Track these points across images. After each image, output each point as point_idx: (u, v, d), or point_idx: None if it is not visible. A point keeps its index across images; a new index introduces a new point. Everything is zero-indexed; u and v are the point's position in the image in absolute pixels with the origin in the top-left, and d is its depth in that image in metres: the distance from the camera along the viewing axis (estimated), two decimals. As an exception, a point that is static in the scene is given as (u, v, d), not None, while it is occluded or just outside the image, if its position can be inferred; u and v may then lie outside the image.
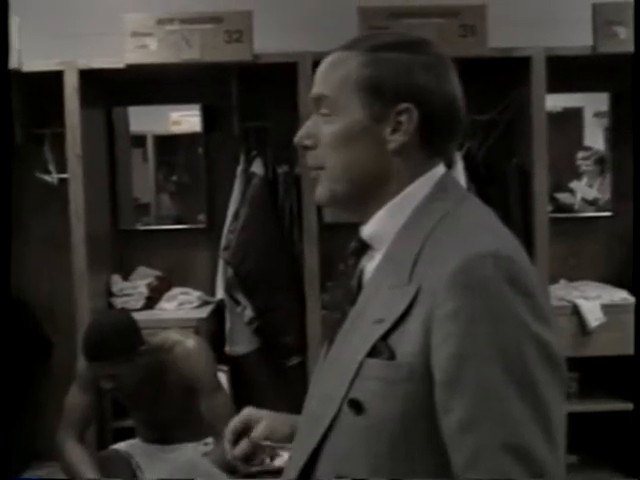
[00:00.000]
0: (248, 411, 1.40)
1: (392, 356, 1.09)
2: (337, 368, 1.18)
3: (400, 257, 1.16)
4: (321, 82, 1.23)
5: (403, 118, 1.17)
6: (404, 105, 1.16)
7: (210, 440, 2.85)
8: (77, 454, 2.76)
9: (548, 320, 1.08)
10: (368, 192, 1.21)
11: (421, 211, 1.18)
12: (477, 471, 1.03)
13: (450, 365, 1.05)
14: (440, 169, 1.23)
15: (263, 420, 1.37)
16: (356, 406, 1.12)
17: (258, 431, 1.35)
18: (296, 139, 1.25)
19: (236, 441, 1.37)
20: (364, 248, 1.25)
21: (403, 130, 1.17)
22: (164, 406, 2.76)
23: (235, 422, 1.39)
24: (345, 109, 1.19)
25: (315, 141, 1.22)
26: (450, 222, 1.15)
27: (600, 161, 3.99)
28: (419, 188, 1.20)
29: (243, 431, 1.37)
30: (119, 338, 2.58)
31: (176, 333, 2.85)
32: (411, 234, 1.17)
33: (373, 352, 1.11)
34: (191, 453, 2.84)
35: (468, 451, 1.04)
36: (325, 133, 1.21)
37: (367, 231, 1.23)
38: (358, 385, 1.12)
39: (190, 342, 2.78)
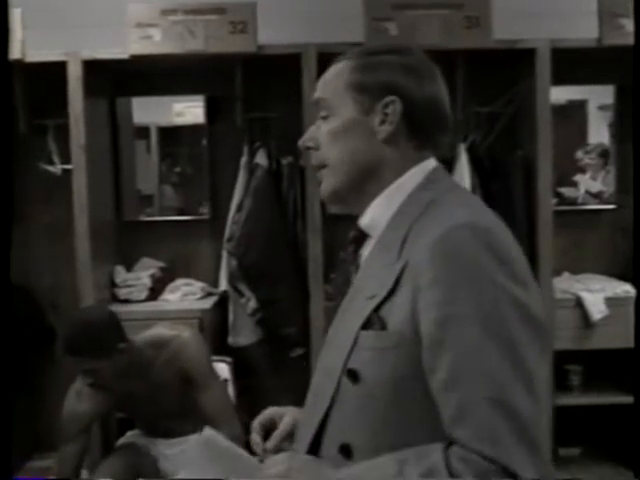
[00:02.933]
0: (271, 409, 1.48)
1: (384, 326, 1.19)
2: (336, 343, 1.28)
3: (390, 240, 1.26)
4: (320, 88, 1.38)
5: (389, 110, 1.29)
6: (389, 98, 1.29)
7: (211, 431, 2.85)
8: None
9: (526, 284, 1.16)
10: (365, 182, 1.32)
11: (411, 200, 1.29)
12: (463, 425, 1.10)
13: (434, 329, 1.13)
14: (431, 162, 1.34)
15: (287, 413, 1.45)
16: (353, 376, 1.21)
17: (285, 422, 1.43)
18: (300, 142, 1.39)
19: (264, 437, 1.43)
20: (363, 237, 1.37)
21: (389, 120, 1.29)
22: (162, 401, 2.74)
23: (261, 417, 1.46)
24: (340, 109, 1.32)
25: (317, 142, 1.36)
26: (436, 207, 1.25)
27: (603, 154, 3.98)
28: (410, 179, 1.31)
29: (269, 427, 1.45)
30: (96, 335, 2.54)
31: (168, 328, 2.80)
32: (400, 220, 1.27)
33: (367, 324, 1.21)
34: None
35: (454, 407, 1.11)
36: (324, 132, 1.34)
37: (364, 220, 1.35)
38: (354, 356, 1.22)
39: (185, 335, 2.74)
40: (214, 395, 2.71)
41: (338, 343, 1.26)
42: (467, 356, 1.11)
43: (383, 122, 1.29)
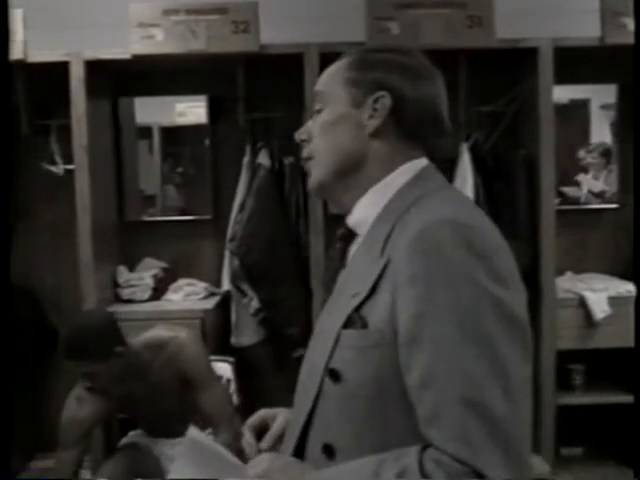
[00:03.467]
0: (262, 411, 1.48)
1: (364, 325, 1.18)
2: (319, 341, 1.28)
3: (375, 237, 1.26)
4: (319, 82, 1.39)
5: (378, 105, 1.30)
6: (380, 93, 1.30)
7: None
8: None
9: (506, 282, 1.14)
10: (350, 176, 1.32)
11: (398, 197, 1.28)
12: (437, 426, 1.09)
13: (410, 326, 1.12)
14: (422, 161, 1.33)
15: (280, 414, 1.44)
16: (334, 375, 1.21)
17: (277, 423, 1.42)
18: (295, 135, 1.41)
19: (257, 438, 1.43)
20: (352, 235, 1.36)
21: (377, 115, 1.30)
22: (163, 402, 2.74)
23: (253, 419, 1.46)
24: (333, 102, 1.34)
25: (310, 135, 1.37)
26: (421, 203, 1.24)
27: (605, 153, 3.97)
28: (398, 176, 1.31)
29: (261, 428, 1.44)
30: (93, 339, 2.53)
31: (165, 329, 2.79)
32: (386, 217, 1.27)
33: (348, 323, 1.21)
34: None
35: (428, 406, 1.10)
36: (317, 125, 1.36)
37: (352, 219, 1.35)
38: (336, 355, 1.21)
39: (183, 336, 2.73)
40: (214, 395, 2.71)
41: (321, 342, 1.26)
42: (442, 355, 1.09)
43: (371, 116, 1.30)
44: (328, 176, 1.33)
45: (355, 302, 1.20)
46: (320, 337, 1.29)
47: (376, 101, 1.29)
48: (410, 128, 1.31)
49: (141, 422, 3.00)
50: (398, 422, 1.16)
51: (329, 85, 1.35)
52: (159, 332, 2.76)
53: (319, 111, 1.36)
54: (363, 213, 1.31)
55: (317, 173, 1.35)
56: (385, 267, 1.18)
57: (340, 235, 1.38)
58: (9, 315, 2.05)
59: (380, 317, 1.16)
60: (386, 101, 1.29)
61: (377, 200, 1.30)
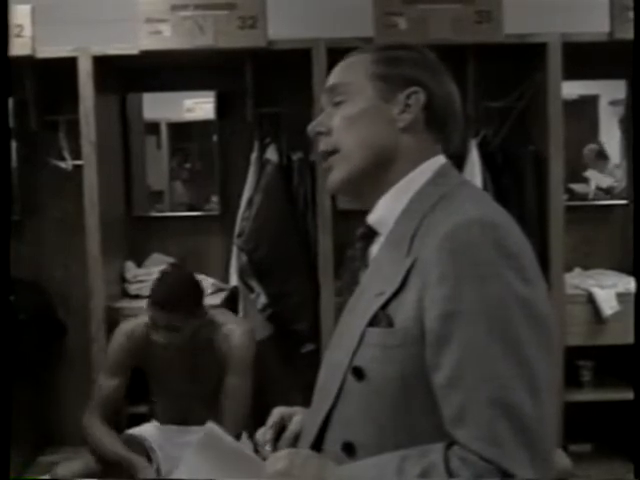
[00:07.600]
0: (279, 410, 1.47)
1: (390, 323, 1.18)
2: (342, 339, 1.27)
3: (399, 236, 1.25)
4: (336, 75, 1.37)
5: (411, 100, 1.30)
6: (413, 88, 1.30)
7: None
8: (105, 433, 2.82)
9: (532, 281, 1.15)
10: (379, 171, 1.31)
11: (420, 195, 1.28)
12: (463, 425, 1.09)
13: (438, 325, 1.12)
14: (441, 159, 1.34)
15: (297, 414, 1.44)
16: (358, 373, 1.20)
17: (295, 422, 1.42)
18: (309, 128, 1.37)
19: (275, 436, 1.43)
20: (372, 234, 1.35)
21: (410, 110, 1.30)
22: (198, 381, 2.85)
23: (275, 419, 1.44)
24: (358, 94, 1.32)
25: (328, 128, 1.34)
26: (446, 201, 1.24)
27: (601, 155, 3.98)
28: (419, 175, 1.30)
29: (280, 427, 1.44)
30: (189, 292, 2.72)
31: (224, 313, 2.98)
32: (410, 215, 1.26)
33: (373, 321, 1.20)
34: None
35: (455, 406, 1.10)
36: (339, 117, 1.33)
37: (373, 217, 1.34)
38: (360, 353, 1.21)
39: (238, 323, 2.92)
40: (236, 386, 2.80)
41: (344, 340, 1.25)
42: (470, 354, 1.09)
43: (403, 111, 1.30)
44: (356, 172, 1.31)
45: (381, 301, 1.20)
46: (343, 336, 1.28)
47: (409, 96, 1.30)
48: (437, 123, 1.32)
49: (162, 401, 3.02)
50: (421, 421, 1.16)
51: (350, 77, 1.33)
52: (219, 315, 2.92)
53: (338, 103, 1.33)
54: (385, 211, 1.31)
55: (345, 168, 1.32)
56: (412, 266, 1.18)
57: (360, 234, 1.37)
58: (10, 311, 2.06)
59: (407, 316, 1.16)
60: (420, 96, 1.29)
61: (399, 198, 1.29)
